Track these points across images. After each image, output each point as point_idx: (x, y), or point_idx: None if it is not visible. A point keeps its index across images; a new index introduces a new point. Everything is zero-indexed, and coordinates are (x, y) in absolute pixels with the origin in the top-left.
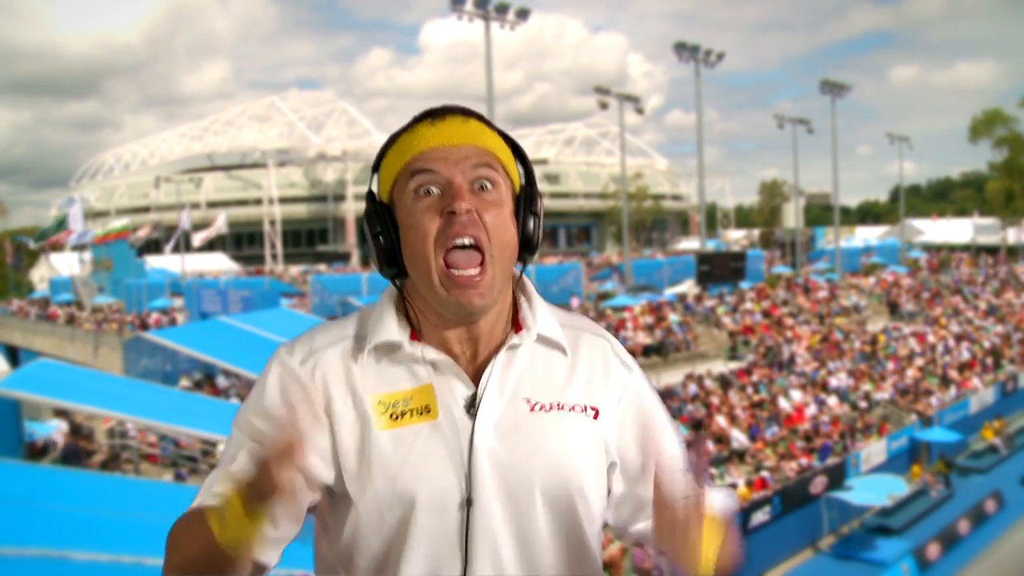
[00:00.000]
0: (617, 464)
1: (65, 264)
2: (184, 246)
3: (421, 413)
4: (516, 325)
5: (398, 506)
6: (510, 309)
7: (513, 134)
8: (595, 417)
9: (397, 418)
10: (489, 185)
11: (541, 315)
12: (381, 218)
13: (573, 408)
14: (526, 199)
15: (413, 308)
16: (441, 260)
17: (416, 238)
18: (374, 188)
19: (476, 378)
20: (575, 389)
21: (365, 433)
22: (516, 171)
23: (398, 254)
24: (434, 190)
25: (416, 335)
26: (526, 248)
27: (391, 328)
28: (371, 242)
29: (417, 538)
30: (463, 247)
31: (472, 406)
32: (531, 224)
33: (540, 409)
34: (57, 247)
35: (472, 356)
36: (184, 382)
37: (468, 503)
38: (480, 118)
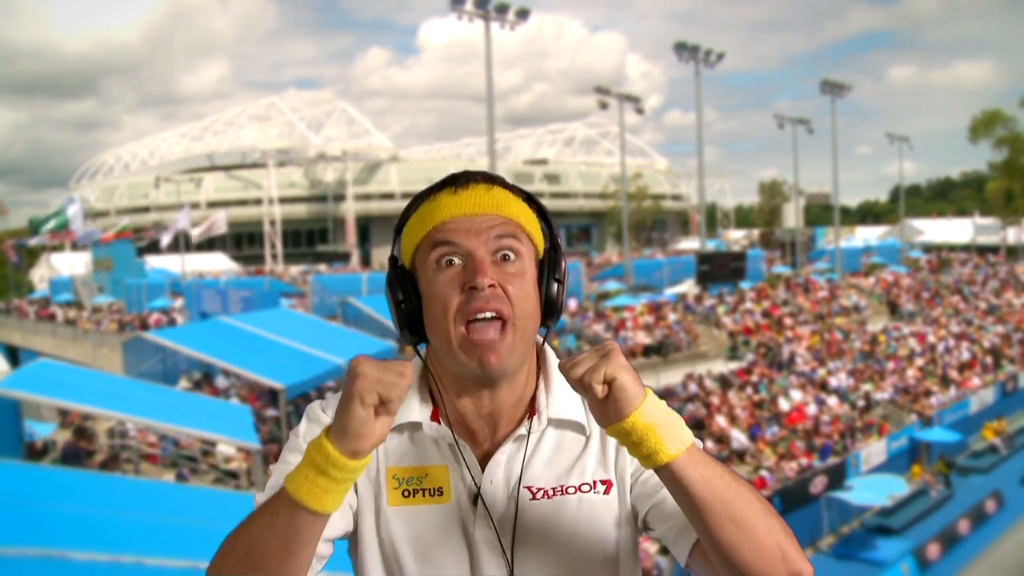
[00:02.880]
0: (651, 512)
1: (65, 264)
2: (184, 246)
3: (433, 494)
4: (532, 408)
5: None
6: (531, 389)
7: (513, 134)
8: (607, 491)
9: (408, 495)
10: (512, 255)
11: (558, 395)
12: (403, 285)
13: (580, 488)
14: (550, 264)
15: (434, 378)
16: (462, 328)
17: (437, 310)
18: (396, 252)
19: (487, 461)
20: (586, 465)
21: (377, 504)
22: (540, 234)
23: (420, 321)
24: (456, 261)
25: (437, 412)
26: (549, 314)
27: (412, 407)
28: (393, 309)
29: None
30: (484, 319)
31: (478, 495)
32: (554, 290)
33: (543, 496)
34: (58, 248)
35: (489, 434)
36: (184, 382)
37: None
38: (504, 184)
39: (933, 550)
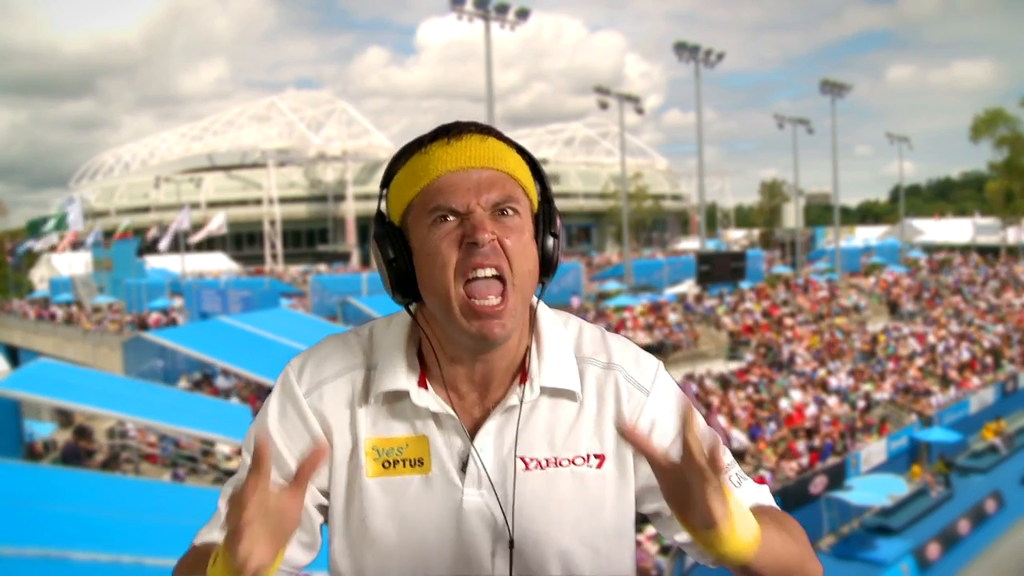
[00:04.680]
0: (650, 489)
1: (65, 264)
2: (184, 246)
3: (414, 464)
4: (523, 374)
5: (380, 555)
6: (523, 350)
7: (512, 134)
8: (599, 465)
9: (389, 466)
10: (510, 210)
11: (550, 361)
12: (394, 243)
13: (573, 461)
14: (545, 218)
15: (427, 337)
16: (461, 289)
17: (434, 268)
18: (384, 209)
19: (477, 429)
20: (579, 438)
21: (354, 477)
22: (534, 188)
23: (412, 281)
24: (452, 217)
25: (425, 377)
26: (545, 270)
27: (399, 374)
28: (383, 268)
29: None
30: (484, 278)
31: (466, 464)
32: (550, 244)
33: (536, 467)
34: (55, 249)
35: (479, 400)
36: (183, 383)
37: (454, 560)
38: (498, 135)
39: (933, 550)
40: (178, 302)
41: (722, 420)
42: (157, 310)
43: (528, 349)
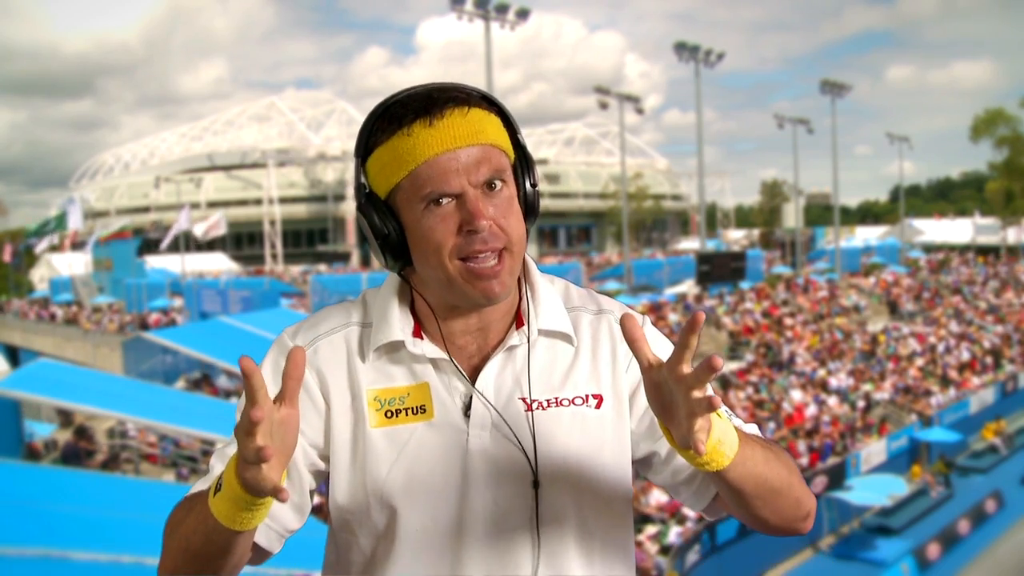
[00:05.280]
0: (643, 433)
1: (65, 264)
2: (184, 246)
3: (416, 412)
4: (519, 319)
5: (387, 505)
6: (516, 299)
7: None
8: (598, 406)
9: (392, 415)
10: (499, 183)
11: (544, 306)
12: (380, 214)
13: (572, 401)
14: (523, 170)
15: (421, 297)
16: (458, 262)
17: (430, 251)
18: (364, 181)
19: (477, 375)
20: (577, 379)
21: (358, 429)
22: (509, 141)
23: (402, 248)
24: (446, 200)
25: (420, 328)
26: (528, 217)
27: (394, 326)
28: (371, 237)
29: (407, 537)
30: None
31: (469, 407)
32: (532, 195)
33: (537, 407)
34: (56, 248)
35: (478, 349)
36: (181, 383)
37: (462, 503)
38: (476, 102)
39: (933, 550)
40: (178, 302)
41: None
42: (157, 310)
43: (522, 297)
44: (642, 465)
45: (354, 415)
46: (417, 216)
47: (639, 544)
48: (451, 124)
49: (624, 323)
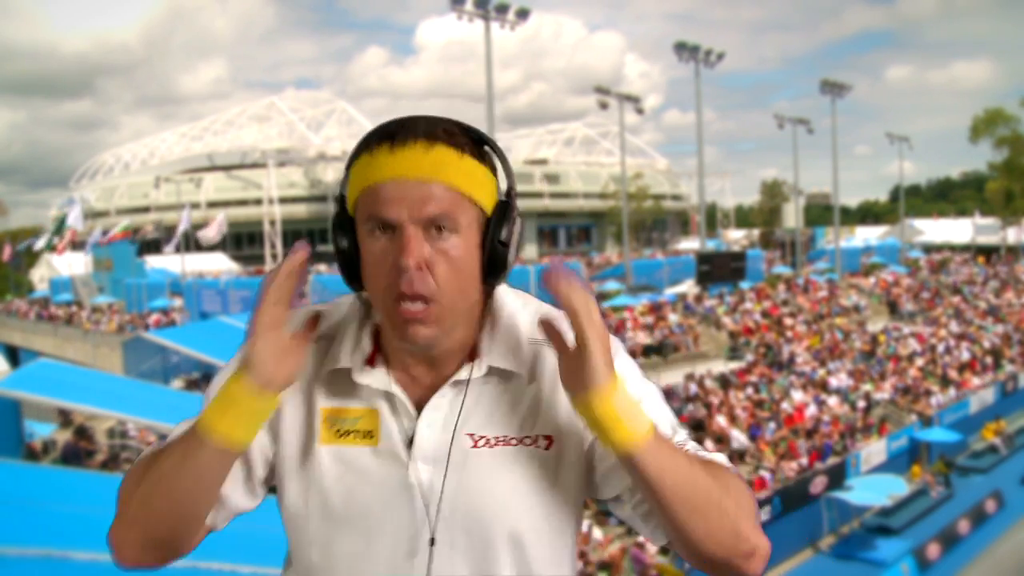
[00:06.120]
0: (598, 470)
1: (65, 264)
2: (185, 246)
3: (364, 436)
4: (474, 353)
5: (327, 520)
6: (473, 336)
7: (512, 134)
8: (548, 447)
9: (342, 435)
10: (444, 228)
11: (500, 340)
12: (344, 232)
13: (522, 441)
14: (496, 222)
15: (380, 323)
16: (389, 299)
17: (367, 278)
18: (344, 191)
19: (424, 404)
20: (527, 418)
21: (308, 444)
22: (491, 188)
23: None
24: (384, 229)
25: (376, 355)
26: (492, 272)
27: (347, 351)
28: (336, 255)
29: (342, 557)
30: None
31: (412, 439)
32: (498, 251)
33: (485, 444)
34: (56, 249)
35: (431, 381)
36: (177, 382)
37: (399, 535)
38: (449, 138)
39: (933, 550)
40: (178, 302)
41: (722, 420)
42: (157, 310)
43: (481, 332)
44: (612, 505)
45: (306, 432)
46: (363, 238)
47: (640, 544)
48: (410, 155)
49: (541, 323)
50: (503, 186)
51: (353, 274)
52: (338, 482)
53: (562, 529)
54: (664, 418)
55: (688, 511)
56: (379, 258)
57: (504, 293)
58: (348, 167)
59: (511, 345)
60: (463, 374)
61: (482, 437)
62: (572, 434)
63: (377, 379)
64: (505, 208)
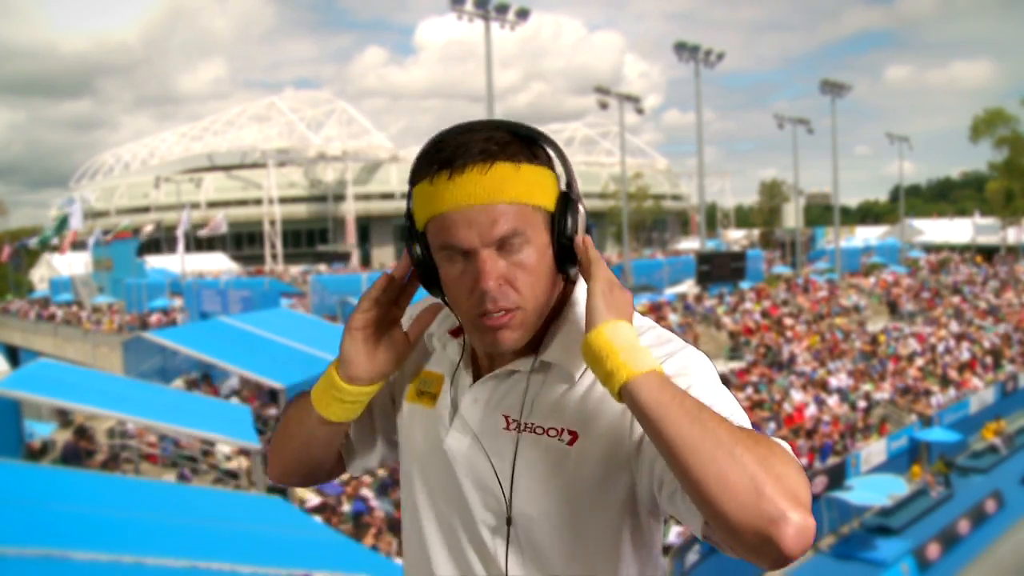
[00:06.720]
0: (637, 474)
1: (65, 264)
2: (184, 246)
3: (430, 399)
4: (536, 343)
5: (405, 471)
6: (543, 327)
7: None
8: (571, 442)
9: (419, 395)
10: (516, 243)
11: (562, 337)
12: (415, 242)
13: (547, 432)
14: (560, 217)
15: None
16: (476, 316)
17: (452, 298)
18: (411, 207)
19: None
20: (562, 412)
21: (402, 397)
22: (552, 187)
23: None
24: (460, 256)
25: (458, 330)
26: (565, 264)
27: (438, 321)
28: (414, 266)
29: (409, 505)
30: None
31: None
32: (567, 246)
33: (515, 427)
34: (56, 249)
35: (489, 366)
36: (177, 382)
37: (448, 495)
38: (503, 155)
39: (933, 550)
40: (178, 302)
41: None
42: (157, 310)
43: (548, 327)
44: (668, 504)
45: (411, 382)
46: (441, 262)
47: None
48: (468, 181)
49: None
50: (563, 177)
51: (429, 282)
52: (408, 439)
53: (577, 523)
54: (720, 402)
55: (695, 453)
56: (459, 280)
57: (581, 290)
58: (411, 184)
59: (570, 341)
60: (517, 365)
61: (515, 421)
62: (603, 435)
63: (452, 350)
64: (567, 200)
